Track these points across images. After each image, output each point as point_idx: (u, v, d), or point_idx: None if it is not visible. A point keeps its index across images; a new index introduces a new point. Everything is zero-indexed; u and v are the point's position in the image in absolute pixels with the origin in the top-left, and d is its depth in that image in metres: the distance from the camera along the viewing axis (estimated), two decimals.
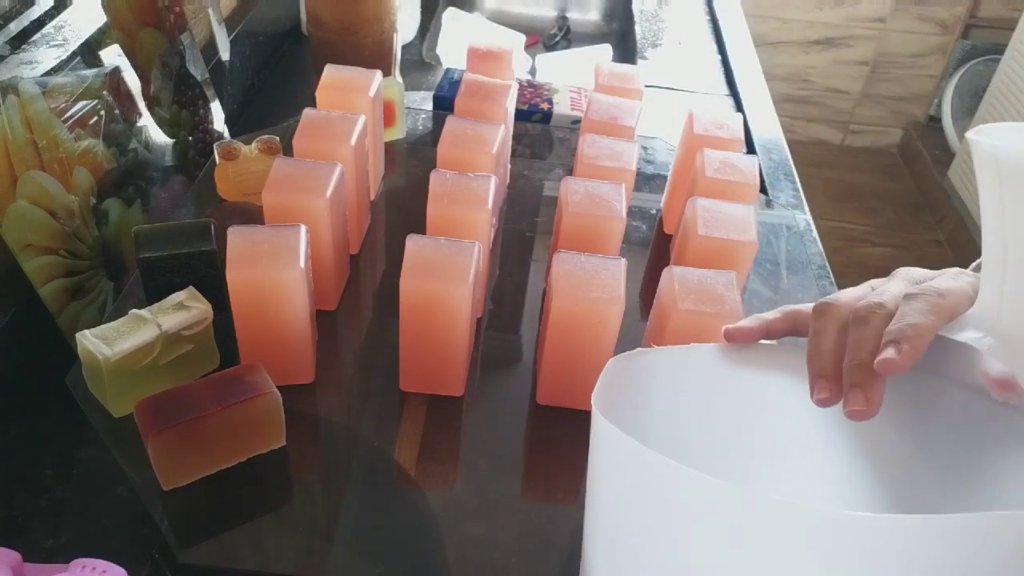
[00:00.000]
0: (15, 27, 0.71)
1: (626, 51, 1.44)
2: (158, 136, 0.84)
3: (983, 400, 0.45)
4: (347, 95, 0.83)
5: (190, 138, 0.89)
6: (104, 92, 0.75)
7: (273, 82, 1.18)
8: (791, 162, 1.07)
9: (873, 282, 0.50)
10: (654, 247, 0.89)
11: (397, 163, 0.97)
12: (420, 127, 1.04)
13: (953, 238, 2.30)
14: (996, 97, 2.21)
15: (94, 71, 0.75)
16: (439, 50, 1.33)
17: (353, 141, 0.75)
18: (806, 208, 0.97)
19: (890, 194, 2.55)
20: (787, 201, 0.98)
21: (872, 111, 2.70)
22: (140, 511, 0.58)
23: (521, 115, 1.05)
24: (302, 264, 0.61)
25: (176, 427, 0.55)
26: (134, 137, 0.79)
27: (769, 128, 1.14)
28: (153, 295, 0.65)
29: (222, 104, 0.94)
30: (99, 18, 0.78)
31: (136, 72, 0.80)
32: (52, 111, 0.68)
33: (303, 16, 1.23)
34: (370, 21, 0.99)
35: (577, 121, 1.06)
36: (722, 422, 0.50)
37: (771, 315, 0.51)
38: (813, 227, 0.94)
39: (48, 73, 0.70)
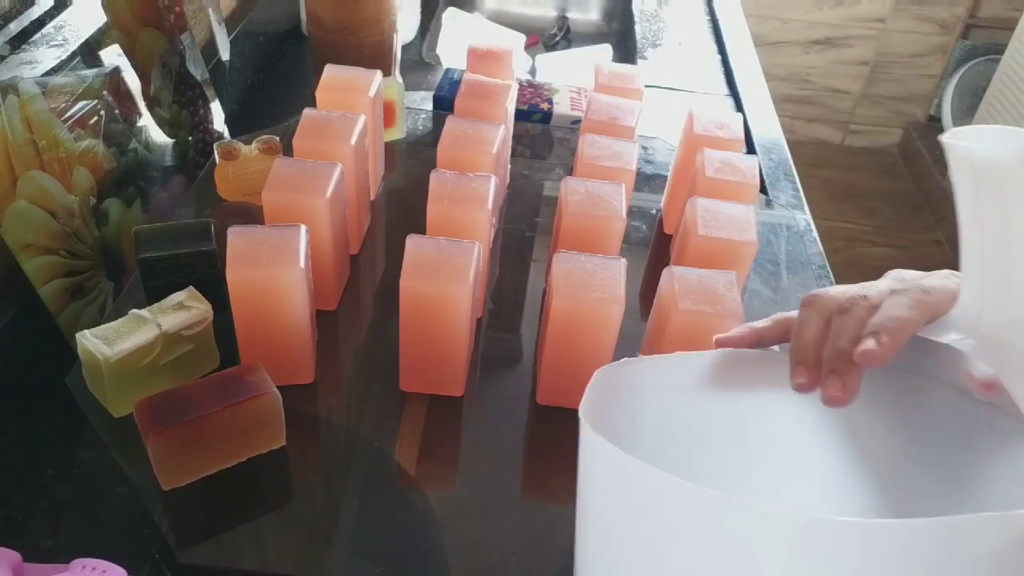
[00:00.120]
0: (15, 27, 0.71)
1: (626, 51, 1.44)
2: (158, 136, 0.84)
3: (968, 401, 0.45)
4: (347, 95, 0.83)
5: (190, 138, 0.89)
6: (104, 92, 0.75)
7: (273, 82, 1.18)
8: (791, 162, 1.07)
9: (865, 284, 0.50)
10: (654, 247, 0.89)
11: (397, 163, 0.97)
12: (420, 127, 1.04)
13: (953, 238, 2.30)
14: (996, 97, 2.21)
15: (94, 71, 0.75)
16: (439, 50, 1.33)
17: (353, 141, 0.75)
18: (806, 208, 0.97)
19: (890, 194, 2.55)
20: (787, 201, 0.98)
21: (872, 111, 2.70)
22: (140, 511, 0.58)
23: (521, 115, 1.05)
24: (302, 264, 0.61)
25: (176, 427, 0.55)
26: (134, 137, 0.79)
27: (769, 128, 1.14)
28: (153, 295, 0.65)
29: (222, 104, 0.94)
30: (99, 18, 0.78)
31: (136, 72, 0.80)
32: (52, 111, 0.68)
33: (303, 16, 1.23)
34: (370, 21, 0.99)
35: (577, 121, 1.06)
36: (712, 430, 0.50)
37: (762, 323, 0.51)
38: (813, 227, 0.94)
39: (48, 73, 0.70)
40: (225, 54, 1.01)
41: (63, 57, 0.72)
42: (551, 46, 1.54)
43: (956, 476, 0.45)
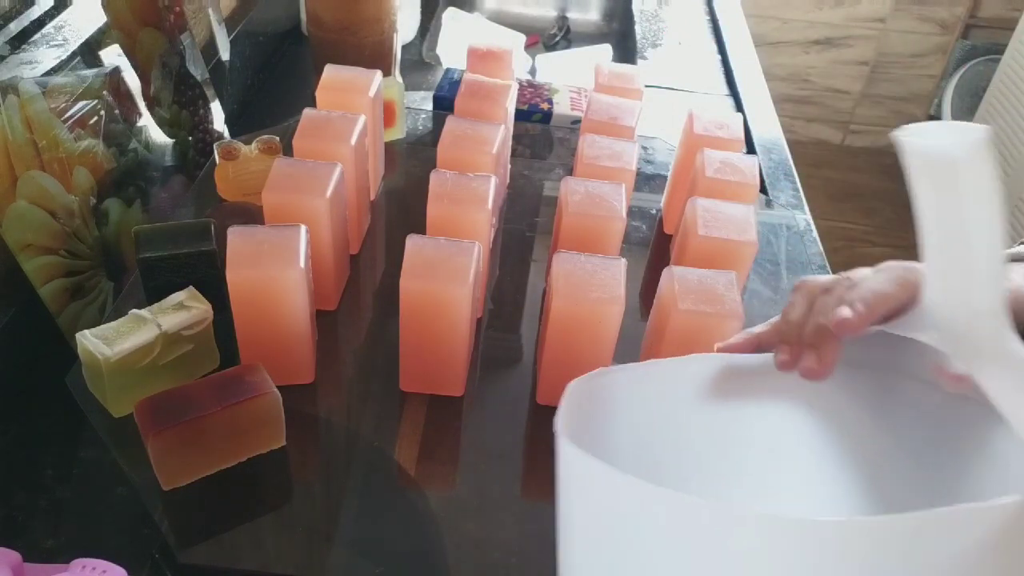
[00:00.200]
0: (15, 27, 0.71)
1: (626, 51, 1.44)
2: (158, 136, 0.84)
3: (940, 395, 0.45)
4: (347, 95, 0.83)
5: (190, 138, 0.89)
6: (104, 92, 0.75)
7: (273, 82, 1.18)
8: (791, 162, 1.07)
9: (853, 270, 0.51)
10: (654, 247, 0.89)
11: (397, 163, 0.97)
12: (420, 127, 1.04)
13: None
14: (996, 97, 2.21)
15: (94, 71, 0.75)
16: (439, 50, 1.33)
17: (353, 141, 0.75)
18: (806, 208, 0.97)
19: (890, 194, 2.55)
20: (787, 201, 0.98)
21: (872, 111, 2.70)
22: (140, 511, 0.58)
23: (521, 115, 1.05)
24: (302, 264, 0.61)
25: (176, 427, 0.55)
26: (134, 137, 0.79)
27: (769, 128, 1.14)
28: (153, 295, 0.65)
29: (222, 104, 0.94)
30: (99, 18, 0.78)
31: (136, 72, 0.80)
32: (52, 111, 0.68)
33: (303, 16, 1.23)
34: (370, 21, 0.99)
35: (577, 121, 1.06)
36: (693, 437, 0.49)
37: (760, 328, 0.51)
38: (813, 227, 0.94)
39: (48, 73, 0.70)
40: (225, 54, 1.01)
41: (63, 57, 0.72)
42: (551, 46, 1.54)
43: (935, 470, 0.45)
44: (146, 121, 0.82)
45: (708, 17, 1.48)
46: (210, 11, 0.98)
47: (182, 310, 0.62)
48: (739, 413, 0.49)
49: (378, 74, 0.85)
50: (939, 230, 0.40)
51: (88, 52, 0.76)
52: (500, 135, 0.80)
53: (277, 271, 0.61)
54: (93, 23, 0.77)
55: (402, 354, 0.66)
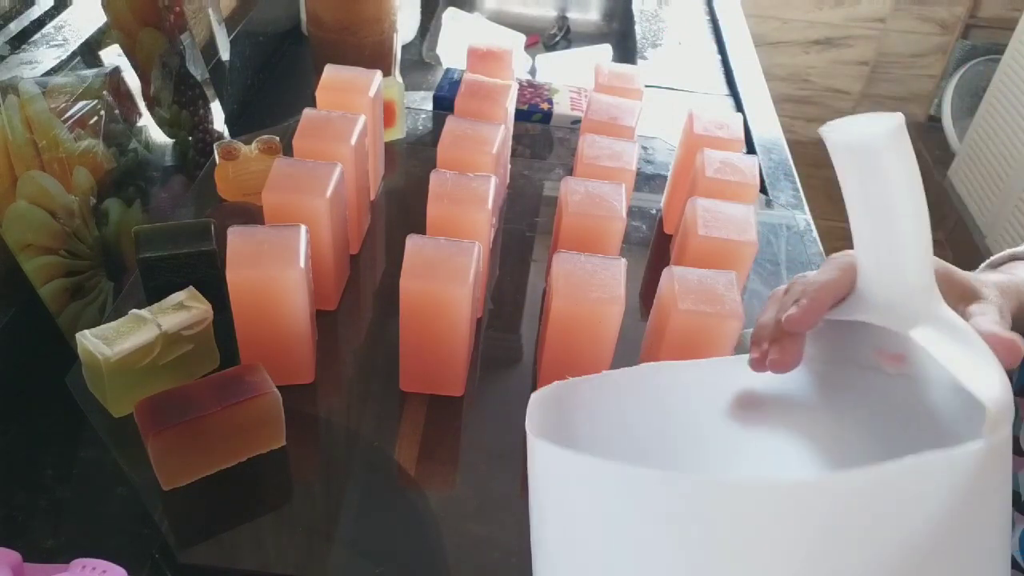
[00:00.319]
0: (15, 27, 0.71)
1: (626, 51, 1.44)
2: (158, 136, 0.84)
3: (884, 378, 0.47)
4: (347, 95, 0.83)
5: (190, 138, 0.89)
6: (104, 92, 0.75)
7: (273, 82, 1.18)
8: (791, 162, 1.07)
9: None
10: (654, 247, 0.89)
11: (397, 163, 0.97)
12: (420, 127, 1.04)
13: (953, 238, 2.29)
14: (996, 97, 2.21)
15: (94, 71, 0.75)
16: (439, 50, 1.33)
17: (353, 141, 0.75)
18: (806, 208, 0.97)
19: None
20: (787, 201, 0.98)
21: (872, 111, 2.70)
22: (140, 511, 0.58)
23: (521, 115, 1.05)
24: (302, 264, 0.61)
25: (176, 427, 0.55)
26: (134, 137, 0.79)
27: (769, 128, 1.14)
28: (153, 295, 0.65)
29: (222, 104, 0.94)
30: (99, 18, 0.78)
31: (136, 72, 0.80)
32: (52, 111, 0.68)
33: (303, 16, 1.23)
34: (370, 21, 0.99)
35: (577, 121, 1.06)
36: (646, 446, 0.50)
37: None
38: (813, 227, 0.94)
39: (48, 73, 0.70)
40: (225, 54, 1.01)
41: (63, 57, 0.72)
42: (551, 46, 1.54)
43: (893, 453, 0.46)
44: (146, 121, 0.82)
45: (708, 17, 1.48)
46: (210, 11, 0.98)
47: (182, 310, 0.62)
48: (696, 419, 0.50)
49: (378, 74, 0.85)
50: (867, 215, 0.43)
51: (88, 52, 0.76)
52: (500, 135, 0.80)
53: (277, 271, 0.61)
54: (93, 23, 0.77)
55: (402, 354, 0.66)
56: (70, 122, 0.70)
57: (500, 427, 0.67)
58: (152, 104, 0.83)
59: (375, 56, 1.01)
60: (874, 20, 2.50)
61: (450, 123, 0.80)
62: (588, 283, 0.63)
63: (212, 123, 0.93)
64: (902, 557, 0.33)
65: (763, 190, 0.99)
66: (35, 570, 0.50)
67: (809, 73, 2.62)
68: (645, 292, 0.82)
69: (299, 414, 0.65)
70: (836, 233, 2.45)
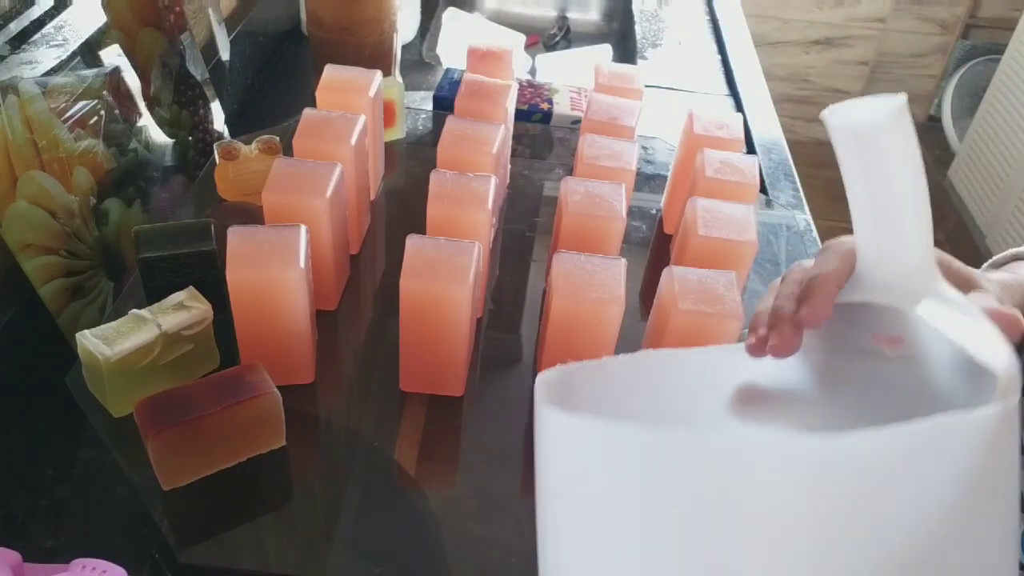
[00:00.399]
0: (15, 27, 0.71)
1: (626, 51, 1.44)
2: (158, 136, 0.84)
3: (883, 361, 0.47)
4: (347, 95, 0.83)
5: (190, 138, 0.89)
6: (104, 92, 0.75)
7: (273, 82, 1.18)
8: (791, 162, 1.07)
9: None
10: (654, 247, 0.89)
11: (397, 163, 0.97)
12: (420, 127, 1.04)
13: (953, 238, 2.30)
14: (996, 97, 2.21)
15: (94, 71, 0.75)
16: (439, 50, 1.33)
17: (353, 141, 0.75)
18: (806, 208, 0.97)
19: None
20: (787, 201, 0.98)
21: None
22: (140, 511, 0.58)
23: (521, 115, 1.05)
24: (302, 264, 0.61)
25: (176, 427, 0.55)
26: (134, 137, 0.79)
27: (769, 128, 1.14)
28: (153, 295, 0.65)
29: (222, 104, 0.94)
30: (99, 18, 0.78)
31: (136, 72, 0.80)
32: (52, 111, 0.68)
33: (303, 16, 1.23)
34: (370, 21, 0.99)
35: (577, 121, 1.06)
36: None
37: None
38: (813, 227, 0.94)
39: (48, 73, 0.70)
40: (225, 54, 1.01)
41: (63, 57, 0.72)
42: (551, 46, 1.54)
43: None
44: (146, 121, 0.82)
45: (708, 17, 1.48)
46: (210, 11, 0.98)
47: (182, 310, 0.62)
48: (696, 407, 0.50)
49: (378, 74, 0.85)
50: (867, 197, 0.43)
51: (88, 52, 0.76)
52: (500, 135, 0.80)
53: (277, 271, 0.61)
54: (93, 23, 0.77)
55: (402, 354, 0.66)
56: (70, 122, 0.70)
57: (500, 427, 0.67)
58: (152, 104, 0.83)
59: (375, 56, 1.01)
60: (874, 20, 2.51)
61: (450, 123, 0.80)
62: (588, 283, 0.63)
63: (212, 123, 0.93)
64: (928, 516, 0.33)
65: (763, 190, 0.99)
66: (35, 570, 0.50)
67: (809, 73, 2.62)
68: (645, 292, 0.82)
69: (299, 414, 0.65)
70: (836, 233, 2.44)
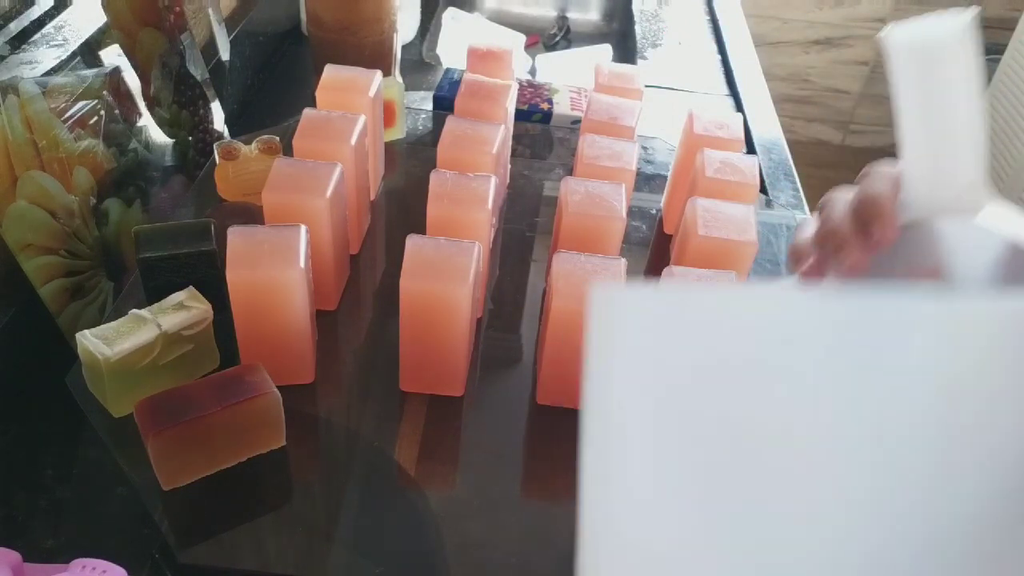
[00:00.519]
0: (15, 27, 0.71)
1: (626, 51, 1.44)
2: (158, 136, 0.84)
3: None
4: (347, 95, 0.83)
5: (190, 138, 0.89)
6: (104, 92, 0.75)
7: (273, 82, 1.18)
8: (791, 162, 1.07)
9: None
10: (654, 247, 0.89)
11: (397, 163, 0.97)
12: (420, 127, 1.04)
13: None
14: (996, 97, 2.21)
15: (94, 71, 0.75)
16: (439, 50, 1.33)
17: (353, 141, 0.75)
18: (806, 208, 0.97)
19: None
20: (787, 201, 0.98)
21: (872, 111, 2.70)
22: (140, 511, 0.58)
23: (521, 115, 1.05)
24: (302, 264, 0.61)
25: (176, 427, 0.55)
26: (134, 137, 0.79)
27: (769, 128, 1.14)
28: (153, 295, 0.65)
29: (222, 104, 0.94)
30: (99, 18, 0.78)
31: (136, 72, 0.80)
32: (52, 111, 0.68)
33: (303, 16, 1.23)
34: (370, 21, 0.99)
35: (577, 121, 1.06)
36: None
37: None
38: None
39: (48, 73, 0.70)
40: (225, 54, 1.01)
41: (63, 57, 0.72)
42: (551, 46, 1.54)
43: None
44: (146, 121, 0.82)
45: (708, 17, 1.48)
46: (210, 11, 0.98)
47: (182, 310, 0.62)
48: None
49: (378, 74, 0.85)
50: (921, 115, 0.42)
51: (88, 52, 0.76)
52: (500, 135, 0.80)
53: (277, 271, 0.61)
54: (93, 23, 0.77)
55: (402, 354, 0.66)
56: (70, 122, 0.70)
57: (500, 427, 0.67)
58: (152, 104, 0.83)
59: (375, 56, 1.01)
60: (874, 20, 2.50)
61: (450, 123, 0.80)
62: (588, 283, 0.63)
63: (212, 123, 0.93)
64: None
65: (763, 190, 0.99)
66: (35, 570, 0.50)
67: (809, 73, 2.62)
68: None
69: (299, 414, 0.65)
70: None
